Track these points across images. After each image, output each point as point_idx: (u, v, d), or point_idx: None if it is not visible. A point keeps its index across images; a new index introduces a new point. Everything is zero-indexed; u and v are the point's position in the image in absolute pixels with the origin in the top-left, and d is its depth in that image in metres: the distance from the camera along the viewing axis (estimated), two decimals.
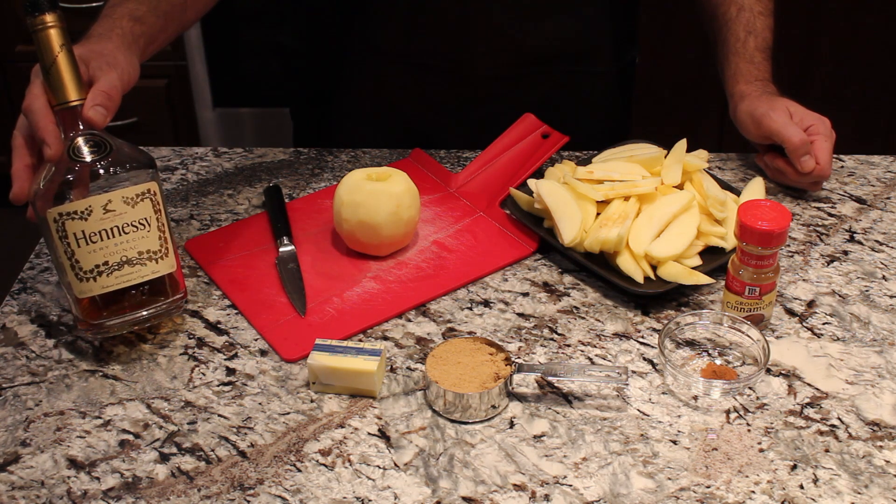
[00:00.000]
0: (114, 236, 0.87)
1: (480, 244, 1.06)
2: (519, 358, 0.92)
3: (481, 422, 0.86)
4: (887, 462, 0.81)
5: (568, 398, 0.88)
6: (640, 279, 0.97)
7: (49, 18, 0.85)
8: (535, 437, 0.84)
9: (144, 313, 0.91)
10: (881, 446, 0.83)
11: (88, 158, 0.86)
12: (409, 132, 1.26)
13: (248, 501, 0.79)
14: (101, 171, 0.86)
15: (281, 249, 1.04)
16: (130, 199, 0.88)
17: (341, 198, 1.01)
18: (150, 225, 0.89)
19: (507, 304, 0.99)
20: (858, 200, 1.14)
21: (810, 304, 0.98)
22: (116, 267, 0.88)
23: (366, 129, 1.30)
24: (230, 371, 0.91)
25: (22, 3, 0.86)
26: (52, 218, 0.86)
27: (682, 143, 1.08)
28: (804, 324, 0.96)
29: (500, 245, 1.05)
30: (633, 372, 0.90)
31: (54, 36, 0.86)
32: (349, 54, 1.27)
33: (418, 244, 1.06)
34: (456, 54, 1.22)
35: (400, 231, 1.01)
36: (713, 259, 1.01)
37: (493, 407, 0.86)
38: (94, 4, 2.40)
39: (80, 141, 0.86)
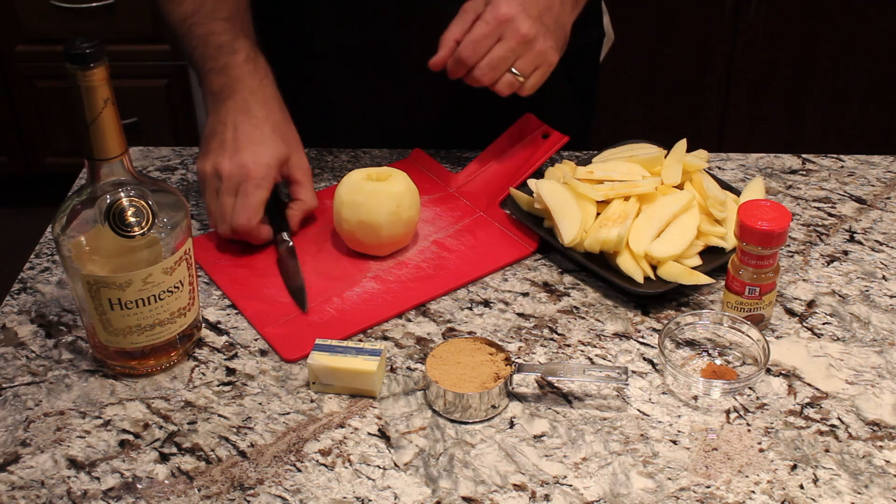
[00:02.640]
0: (150, 303, 0.85)
1: (480, 244, 1.06)
2: (519, 358, 0.92)
3: (481, 422, 0.86)
4: (887, 462, 0.81)
5: (568, 398, 0.88)
6: (640, 279, 0.97)
7: (98, 73, 0.77)
8: (535, 437, 0.84)
9: (164, 361, 0.91)
10: (881, 446, 0.83)
11: (134, 232, 0.82)
12: (398, 133, 1.25)
13: (248, 501, 0.79)
14: (141, 236, 0.83)
15: (280, 246, 1.04)
16: (170, 269, 0.85)
17: (341, 198, 1.01)
18: (184, 285, 0.88)
19: (507, 304, 0.99)
20: (858, 200, 1.14)
21: (810, 304, 0.98)
22: (148, 328, 0.87)
23: (358, 129, 1.29)
24: (230, 371, 0.91)
25: (65, 50, 0.76)
26: (86, 281, 0.83)
27: (682, 143, 1.08)
28: (804, 324, 0.96)
29: (500, 245, 1.05)
30: (633, 372, 0.90)
31: (101, 91, 0.78)
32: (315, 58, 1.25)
33: (418, 244, 1.06)
34: (392, 51, 1.19)
35: (400, 231, 1.01)
36: (713, 259, 1.01)
37: (493, 407, 0.86)
38: (93, 4, 2.41)
39: (122, 205, 0.82)
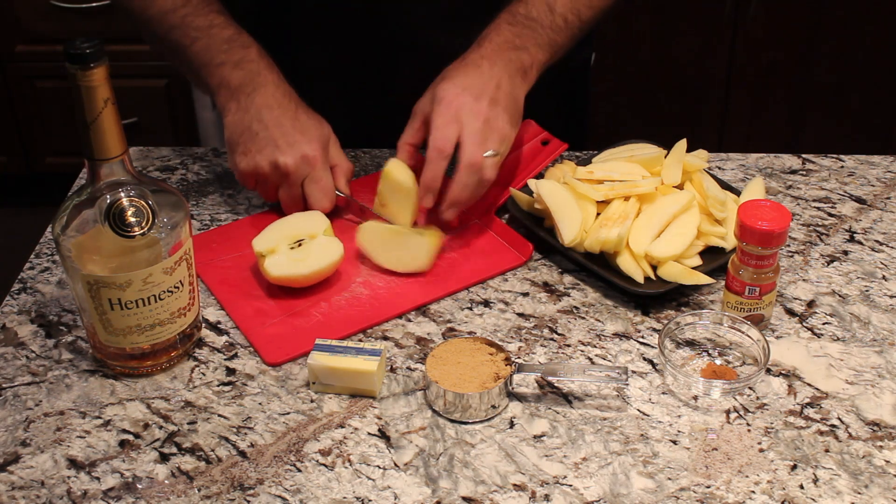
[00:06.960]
0: (150, 303, 0.86)
1: (473, 253, 1.04)
2: (519, 358, 0.92)
3: (481, 422, 0.86)
4: (887, 462, 0.81)
5: (568, 398, 0.88)
6: (640, 279, 0.97)
7: (98, 73, 0.77)
8: (535, 437, 0.84)
9: (164, 361, 0.91)
10: (881, 446, 0.83)
11: (134, 232, 0.82)
12: (387, 148, 1.24)
13: (248, 501, 0.79)
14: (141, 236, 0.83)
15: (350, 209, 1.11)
16: (170, 269, 0.85)
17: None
18: (184, 285, 0.88)
19: (507, 304, 0.99)
20: (858, 200, 1.14)
21: (810, 304, 0.98)
22: (148, 328, 0.87)
23: (344, 145, 1.27)
24: (230, 371, 0.91)
25: (65, 50, 0.76)
26: (86, 281, 0.83)
27: (682, 143, 1.08)
28: (804, 324, 0.96)
29: (491, 255, 1.04)
30: (633, 372, 0.90)
31: (101, 91, 0.78)
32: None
33: None
34: (378, 68, 1.20)
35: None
36: (713, 259, 1.01)
37: (493, 407, 0.86)
38: (93, 4, 2.41)
39: (122, 205, 0.82)
